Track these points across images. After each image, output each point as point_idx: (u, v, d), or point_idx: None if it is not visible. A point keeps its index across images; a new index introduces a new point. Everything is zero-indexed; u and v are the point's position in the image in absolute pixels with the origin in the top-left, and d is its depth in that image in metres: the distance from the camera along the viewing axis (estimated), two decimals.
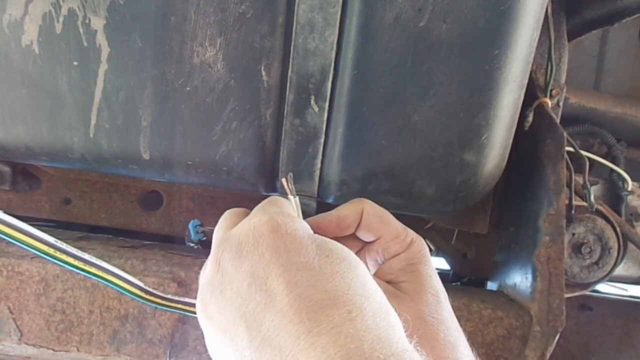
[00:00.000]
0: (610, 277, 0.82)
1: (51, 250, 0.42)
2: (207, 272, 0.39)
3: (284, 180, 0.48)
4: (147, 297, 0.50)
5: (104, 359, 0.67)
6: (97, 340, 0.67)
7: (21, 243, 0.40)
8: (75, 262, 0.44)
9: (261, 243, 0.36)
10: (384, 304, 0.34)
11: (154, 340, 0.67)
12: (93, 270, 0.45)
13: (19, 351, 0.68)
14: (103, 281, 0.46)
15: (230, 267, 0.36)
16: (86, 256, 0.45)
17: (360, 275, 0.35)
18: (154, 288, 0.52)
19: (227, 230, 0.41)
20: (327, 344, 0.30)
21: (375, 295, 0.35)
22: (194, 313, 0.55)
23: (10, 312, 0.66)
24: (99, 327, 0.67)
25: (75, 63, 0.59)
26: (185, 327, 0.67)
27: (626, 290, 1.04)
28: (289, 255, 0.35)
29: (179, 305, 0.55)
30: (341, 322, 0.31)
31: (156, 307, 0.51)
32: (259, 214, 0.40)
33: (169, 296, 0.54)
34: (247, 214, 0.44)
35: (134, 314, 0.67)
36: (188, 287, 0.67)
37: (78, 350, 0.67)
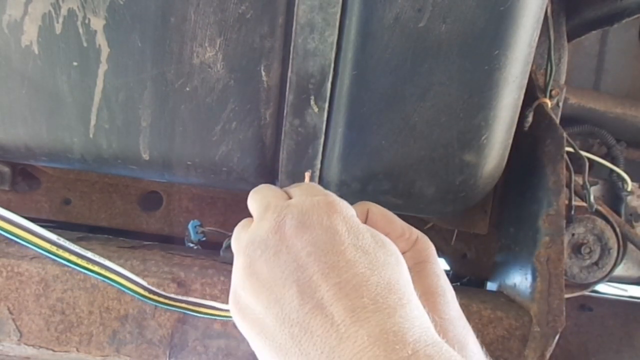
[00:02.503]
0: (609, 278, 0.82)
1: (53, 248, 0.42)
2: (262, 231, 0.39)
3: (307, 175, 0.49)
4: (150, 295, 0.50)
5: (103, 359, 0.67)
6: (97, 341, 0.67)
7: (23, 241, 0.40)
8: (78, 260, 0.44)
9: (325, 219, 0.38)
10: (419, 303, 0.37)
11: (154, 340, 0.67)
12: (96, 268, 0.45)
13: (18, 352, 0.68)
14: (106, 279, 0.46)
15: (291, 233, 0.37)
16: (89, 254, 0.44)
17: (404, 272, 0.37)
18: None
19: (279, 198, 0.42)
20: (383, 319, 0.32)
21: (414, 293, 0.37)
22: (196, 312, 0.55)
23: (10, 312, 0.66)
24: (99, 328, 0.67)
25: (75, 63, 0.59)
26: (185, 328, 0.67)
27: (626, 290, 1.04)
28: (349, 236, 0.37)
29: (182, 305, 0.55)
30: (395, 305, 0.34)
31: (158, 306, 0.51)
32: (321, 194, 0.41)
33: (171, 295, 0.54)
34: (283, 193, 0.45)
35: (134, 315, 0.67)
36: (188, 287, 0.67)
37: (78, 350, 0.67)
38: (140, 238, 0.80)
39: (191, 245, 0.76)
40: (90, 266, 0.45)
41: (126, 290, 0.48)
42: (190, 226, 0.75)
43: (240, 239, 0.41)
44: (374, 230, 0.39)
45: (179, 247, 0.78)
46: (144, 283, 0.49)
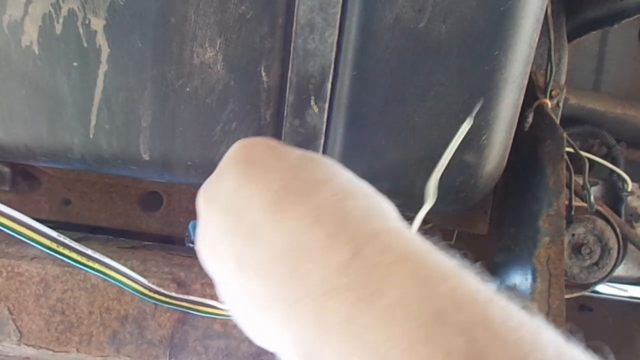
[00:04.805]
0: (610, 278, 0.82)
1: (54, 245, 0.41)
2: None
3: None
4: (151, 294, 0.50)
5: None
6: (97, 341, 0.67)
7: (23, 237, 0.39)
8: (79, 258, 0.43)
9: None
10: None
11: (154, 341, 0.67)
12: (96, 265, 0.45)
13: (18, 352, 0.68)
14: (106, 277, 0.46)
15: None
16: (89, 252, 0.44)
17: None
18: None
19: None
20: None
21: None
22: (197, 311, 0.55)
23: (10, 312, 0.66)
24: (99, 328, 0.67)
25: (75, 64, 0.59)
26: (185, 328, 0.67)
27: (626, 291, 1.04)
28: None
29: (183, 303, 0.55)
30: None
31: (159, 305, 0.51)
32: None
33: (172, 294, 0.54)
34: None
35: (134, 315, 0.67)
36: (188, 287, 0.67)
37: (78, 351, 0.67)
38: (140, 238, 0.80)
39: (191, 245, 0.76)
40: (90, 263, 0.44)
41: (127, 289, 0.48)
42: (190, 226, 0.75)
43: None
44: None
45: (179, 247, 0.78)
46: (145, 281, 0.49)
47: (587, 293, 0.85)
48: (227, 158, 0.38)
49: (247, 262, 0.31)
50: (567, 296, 0.73)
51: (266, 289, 0.30)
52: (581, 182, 0.79)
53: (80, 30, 0.58)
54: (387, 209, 0.35)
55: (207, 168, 0.65)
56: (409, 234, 0.30)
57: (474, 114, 0.54)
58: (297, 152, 0.37)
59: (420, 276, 0.26)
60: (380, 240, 0.28)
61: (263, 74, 0.59)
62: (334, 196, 0.32)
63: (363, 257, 0.27)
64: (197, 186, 0.40)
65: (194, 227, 0.75)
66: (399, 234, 0.30)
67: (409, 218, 0.63)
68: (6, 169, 0.85)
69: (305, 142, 0.62)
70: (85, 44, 0.58)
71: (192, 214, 0.92)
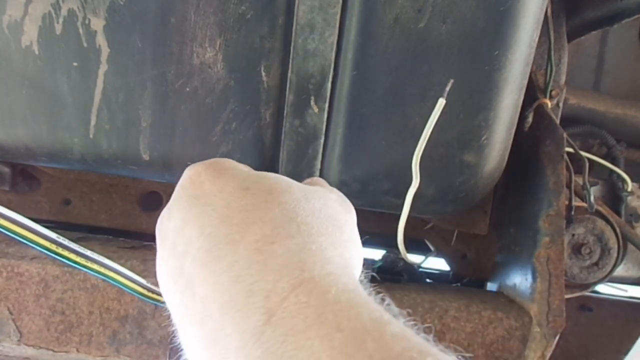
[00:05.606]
0: (610, 278, 0.82)
1: (53, 247, 0.41)
2: None
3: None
4: (150, 294, 0.50)
5: None
6: (97, 341, 0.67)
7: (22, 238, 0.40)
8: (77, 259, 0.43)
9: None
10: None
11: (154, 341, 0.67)
12: (95, 267, 0.45)
13: (18, 352, 0.68)
14: (105, 278, 0.46)
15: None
16: (88, 252, 0.44)
17: None
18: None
19: None
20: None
21: None
22: None
23: (10, 312, 0.66)
24: (99, 328, 0.67)
25: (75, 64, 0.59)
26: None
27: (626, 291, 1.04)
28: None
29: None
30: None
31: (158, 305, 0.51)
32: None
33: None
34: None
35: (134, 315, 0.67)
36: None
37: (78, 351, 0.67)
38: (140, 238, 0.80)
39: None
40: (89, 264, 0.44)
41: (126, 289, 0.48)
42: None
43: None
44: None
45: None
46: (144, 282, 0.49)
47: (587, 293, 0.85)
48: (176, 190, 0.39)
49: (185, 311, 0.33)
50: (567, 296, 0.73)
51: (197, 343, 0.31)
52: (581, 182, 0.79)
53: (80, 30, 0.58)
54: (317, 242, 0.31)
55: None
56: (332, 279, 0.28)
57: (445, 94, 0.54)
58: (240, 177, 0.36)
59: (335, 347, 0.23)
60: (295, 297, 0.26)
61: (263, 74, 0.59)
62: (258, 241, 0.30)
63: (276, 323, 0.25)
64: None
65: None
66: (318, 285, 0.27)
67: (409, 218, 0.63)
68: (6, 169, 0.85)
69: (305, 142, 0.62)
70: (85, 44, 0.58)
71: None
